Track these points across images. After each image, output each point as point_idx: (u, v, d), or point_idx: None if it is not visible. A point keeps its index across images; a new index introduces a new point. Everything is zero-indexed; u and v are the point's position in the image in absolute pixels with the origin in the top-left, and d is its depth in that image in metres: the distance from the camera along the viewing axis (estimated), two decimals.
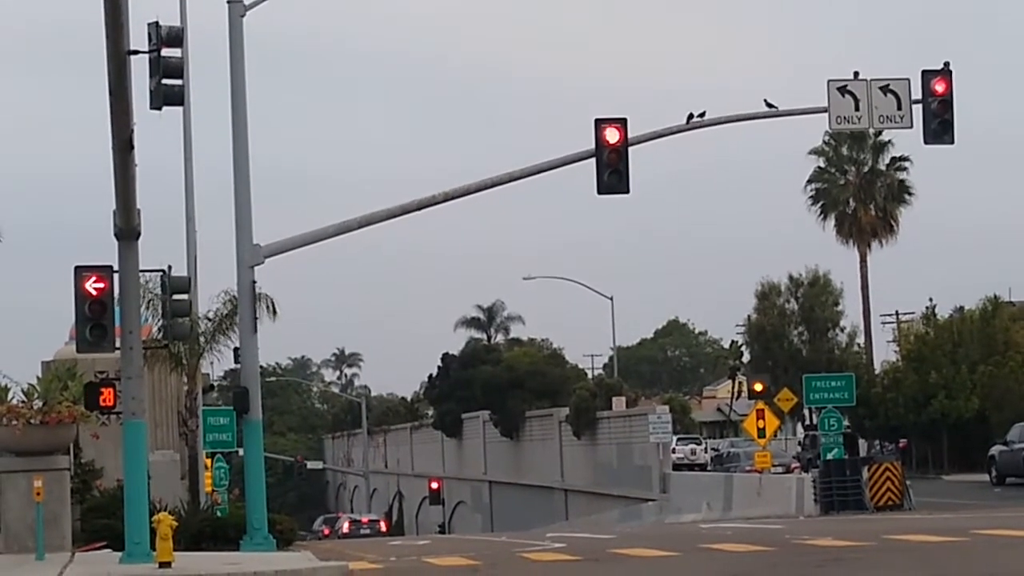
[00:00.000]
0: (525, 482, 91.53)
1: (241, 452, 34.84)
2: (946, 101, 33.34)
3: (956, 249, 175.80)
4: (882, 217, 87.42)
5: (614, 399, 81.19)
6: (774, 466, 58.86)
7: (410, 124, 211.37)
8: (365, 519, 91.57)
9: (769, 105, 34.54)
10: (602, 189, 32.10)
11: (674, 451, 75.08)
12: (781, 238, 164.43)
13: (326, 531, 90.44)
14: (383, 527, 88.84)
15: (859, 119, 34.34)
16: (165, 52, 22.54)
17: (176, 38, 22.69)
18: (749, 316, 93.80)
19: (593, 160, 32.00)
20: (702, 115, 34.20)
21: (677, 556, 25.48)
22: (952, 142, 33.58)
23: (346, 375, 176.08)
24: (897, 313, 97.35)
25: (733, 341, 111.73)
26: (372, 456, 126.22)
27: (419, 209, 33.05)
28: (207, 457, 43.73)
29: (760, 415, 52.75)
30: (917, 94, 33.56)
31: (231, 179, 30.69)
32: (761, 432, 52.85)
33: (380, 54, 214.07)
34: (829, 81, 33.97)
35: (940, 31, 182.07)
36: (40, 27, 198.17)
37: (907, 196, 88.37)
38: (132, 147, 22.50)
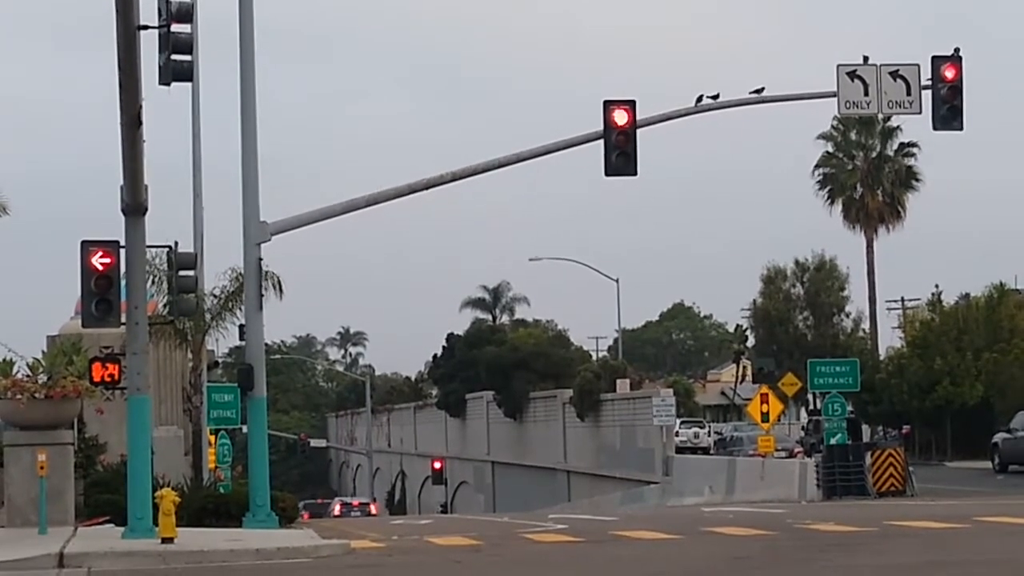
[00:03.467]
0: (528, 463, 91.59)
1: (245, 429, 34.85)
2: (955, 87, 33.29)
3: (963, 236, 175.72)
4: (889, 203, 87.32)
5: (618, 381, 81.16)
6: (777, 451, 58.85)
7: (419, 104, 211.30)
8: (356, 502, 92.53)
9: (756, 91, 34.52)
10: (610, 171, 32.08)
11: (677, 434, 75.12)
12: (787, 223, 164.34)
13: (305, 516, 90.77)
14: (373, 510, 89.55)
15: (868, 104, 34.28)
16: (175, 28, 22.53)
17: (186, 14, 22.66)
18: (754, 300, 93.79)
19: (601, 142, 31.99)
20: (714, 97, 34.14)
21: (679, 539, 25.50)
22: (961, 128, 33.54)
23: (351, 354, 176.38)
24: (903, 299, 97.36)
25: (738, 325, 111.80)
26: (375, 435, 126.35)
27: (426, 188, 33.01)
28: (211, 434, 43.75)
29: (764, 399, 52.72)
30: (927, 80, 33.57)
31: (239, 157, 30.62)
32: (765, 416, 52.82)
33: (389, 33, 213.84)
34: (839, 65, 33.91)
35: (955, 17, 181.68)
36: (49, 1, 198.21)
37: (915, 182, 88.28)
38: (140, 123, 22.51)
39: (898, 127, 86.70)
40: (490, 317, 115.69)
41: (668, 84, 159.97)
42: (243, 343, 32.95)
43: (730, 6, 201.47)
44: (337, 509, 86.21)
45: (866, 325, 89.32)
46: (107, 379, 34.64)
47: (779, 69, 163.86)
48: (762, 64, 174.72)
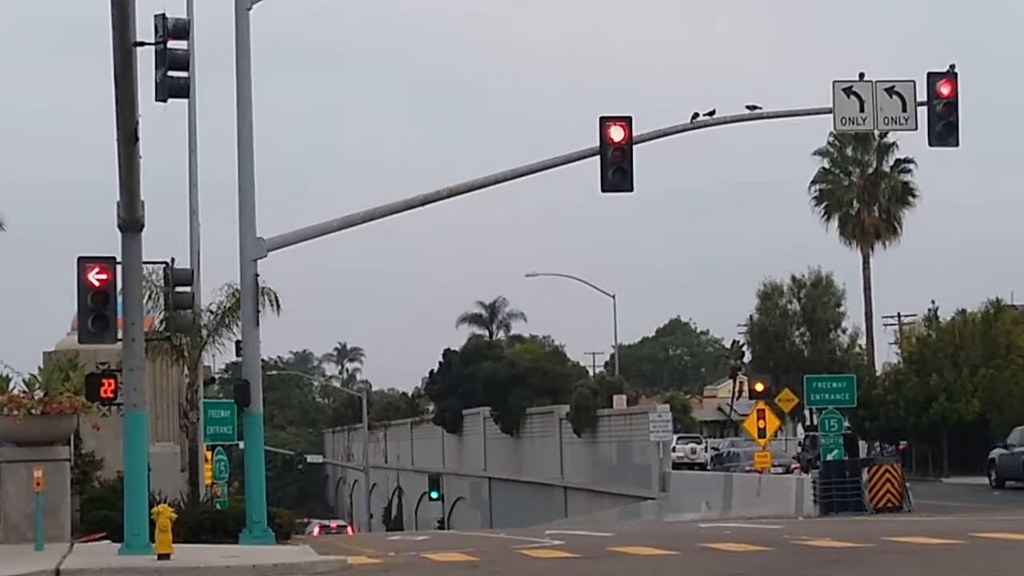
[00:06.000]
0: (525, 479, 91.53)
1: (241, 445, 34.88)
2: (951, 103, 33.29)
3: (959, 252, 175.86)
4: (885, 219, 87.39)
5: (615, 397, 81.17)
6: (774, 466, 58.80)
7: (415, 120, 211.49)
8: (334, 524, 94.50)
9: (751, 107, 34.55)
10: (606, 187, 32.07)
11: (674, 450, 75.03)
12: (784, 239, 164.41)
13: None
14: (350, 532, 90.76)
15: (864, 120, 34.28)
16: (171, 44, 22.59)
17: (182, 30, 22.72)
18: (751, 316, 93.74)
19: (598, 158, 31.99)
20: (710, 114, 34.15)
21: (676, 555, 25.48)
22: (957, 144, 33.54)
23: (347, 369, 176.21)
24: (899, 315, 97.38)
25: (735, 341, 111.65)
26: (372, 451, 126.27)
27: (423, 204, 33.02)
28: (207, 450, 43.76)
29: (760, 415, 52.70)
30: (922, 96, 33.60)
31: (236, 173, 30.65)
32: (761, 432, 52.80)
33: (385, 48, 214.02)
34: (834, 82, 33.92)
35: (949, 32, 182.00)
36: (46, 17, 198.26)
37: (911, 198, 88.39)
38: (137, 139, 22.52)
39: (894, 143, 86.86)
40: (487, 333, 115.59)
41: (665, 98, 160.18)
42: (240, 359, 32.95)
43: (728, 19, 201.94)
44: (316, 531, 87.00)
45: (862, 341, 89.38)
46: (103, 395, 34.60)
47: (777, 83, 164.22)
48: (760, 78, 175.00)
